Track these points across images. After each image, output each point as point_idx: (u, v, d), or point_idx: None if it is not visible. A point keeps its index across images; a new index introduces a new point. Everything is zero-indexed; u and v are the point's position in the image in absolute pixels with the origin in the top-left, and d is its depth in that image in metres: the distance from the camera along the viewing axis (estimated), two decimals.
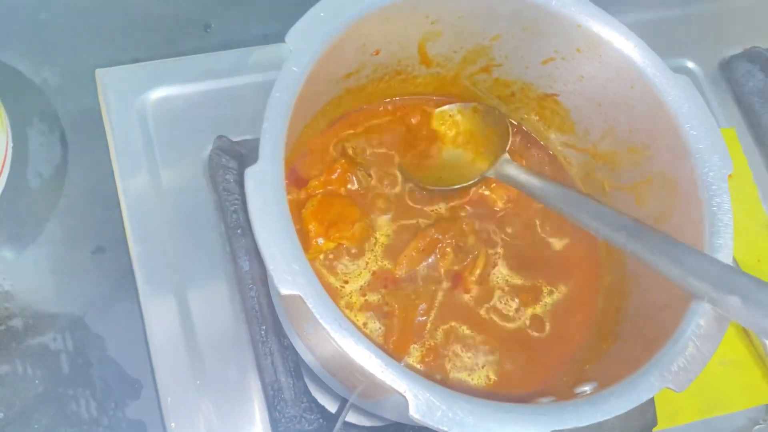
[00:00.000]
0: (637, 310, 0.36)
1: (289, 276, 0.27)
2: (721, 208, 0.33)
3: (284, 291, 0.27)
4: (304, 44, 0.32)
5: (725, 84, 0.59)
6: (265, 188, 0.28)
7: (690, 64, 0.58)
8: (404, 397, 0.26)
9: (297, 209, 0.39)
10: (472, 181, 0.41)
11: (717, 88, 0.58)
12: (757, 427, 0.48)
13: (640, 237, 0.31)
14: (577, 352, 0.39)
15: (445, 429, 0.26)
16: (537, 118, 0.43)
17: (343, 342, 0.27)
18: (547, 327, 0.39)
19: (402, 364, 0.27)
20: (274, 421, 0.41)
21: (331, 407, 0.42)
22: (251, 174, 0.28)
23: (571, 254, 0.41)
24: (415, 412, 0.26)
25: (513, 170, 0.39)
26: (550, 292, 0.40)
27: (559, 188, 0.36)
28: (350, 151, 0.40)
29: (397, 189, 0.41)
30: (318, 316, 0.27)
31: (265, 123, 0.29)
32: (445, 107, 0.43)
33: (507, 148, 0.40)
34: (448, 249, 0.39)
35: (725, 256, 0.32)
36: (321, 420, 0.41)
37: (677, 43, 0.58)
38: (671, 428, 0.47)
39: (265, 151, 0.29)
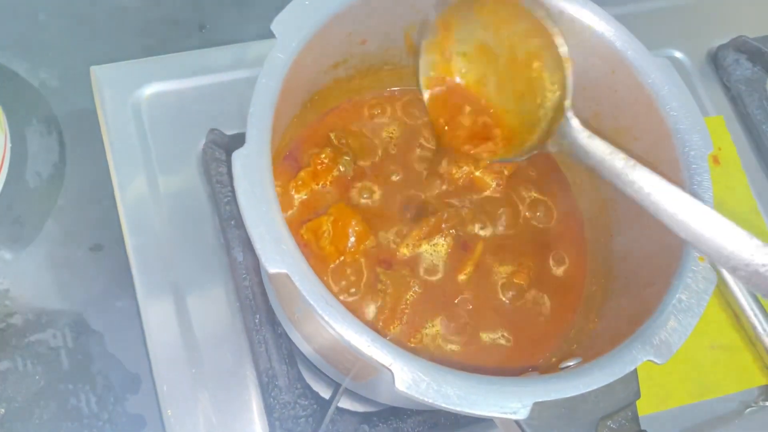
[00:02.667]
0: (623, 290, 0.37)
1: (277, 255, 0.28)
2: (702, 186, 0.33)
3: (272, 270, 0.27)
4: (290, 32, 0.32)
5: (713, 73, 0.59)
6: (252, 171, 0.29)
7: (678, 55, 0.59)
8: (390, 370, 0.27)
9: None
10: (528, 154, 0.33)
11: (705, 77, 0.59)
12: (749, 409, 0.49)
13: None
14: (565, 333, 0.39)
15: (430, 401, 0.27)
16: None
17: (330, 318, 0.27)
18: (536, 309, 0.40)
19: (388, 339, 0.28)
20: (269, 408, 0.41)
21: (325, 393, 0.43)
22: (238, 156, 0.29)
23: (559, 237, 0.42)
24: (401, 385, 0.27)
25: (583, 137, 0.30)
26: (539, 275, 0.41)
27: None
28: (334, 140, 0.40)
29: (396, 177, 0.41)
30: (305, 294, 0.27)
31: (252, 108, 0.30)
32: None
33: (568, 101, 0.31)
34: (449, 237, 0.40)
35: None
36: (315, 406, 0.42)
37: (665, 34, 0.59)
38: (663, 411, 0.47)
39: (251, 135, 0.30)
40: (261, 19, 0.54)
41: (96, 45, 0.52)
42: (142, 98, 0.49)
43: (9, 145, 0.47)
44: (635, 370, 0.30)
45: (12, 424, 0.41)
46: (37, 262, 0.45)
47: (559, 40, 0.31)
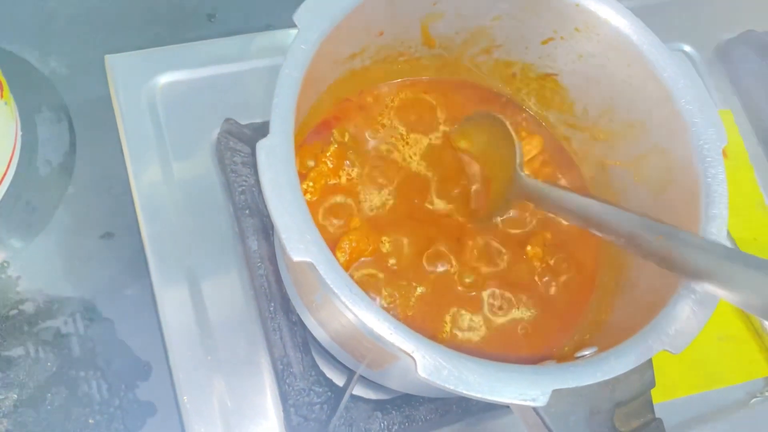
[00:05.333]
0: (636, 281, 0.37)
1: (301, 244, 0.28)
2: (716, 179, 0.34)
3: (296, 258, 0.28)
4: (312, 23, 0.33)
5: (721, 67, 0.60)
6: (276, 160, 0.29)
7: (687, 48, 0.59)
8: (412, 357, 0.28)
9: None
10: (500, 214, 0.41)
11: (713, 71, 0.59)
12: (755, 399, 0.49)
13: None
14: (578, 324, 0.40)
15: (451, 387, 0.27)
16: (537, 98, 0.44)
17: (354, 307, 0.28)
18: (549, 302, 0.41)
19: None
20: (283, 394, 0.42)
21: (339, 381, 0.43)
22: (263, 147, 0.29)
23: (571, 229, 0.42)
24: (423, 371, 0.27)
25: (533, 185, 0.37)
26: (553, 269, 0.41)
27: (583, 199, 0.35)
28: (337, 136, 0.41)
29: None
30: (329, 282, 0.28)
31: (275, 98, 0.30)
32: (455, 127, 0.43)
33: (518, 162, 0.38)
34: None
35: (719, 226, 0.33)
36: (329, 393, 0.42)
37: (674, 28, 0.59)
38: (670, 401, 0.48)
39: (275, 126, 0.30)
40: (269, 9, 0.55)
41: (105, 33, 0.52)
42: (156, 87, 0.49)
43: (20, 133, 0.47)
44: (650, 359, 0.30)
45: (24, 410, 0.42)
46: (47, 249, 0.46)
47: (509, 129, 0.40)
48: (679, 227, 0.31)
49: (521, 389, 0.28)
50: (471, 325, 0.39)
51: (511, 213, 0.42)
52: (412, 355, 0.28)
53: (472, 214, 0.41)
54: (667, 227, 0.31)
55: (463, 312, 0.39)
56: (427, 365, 0.28)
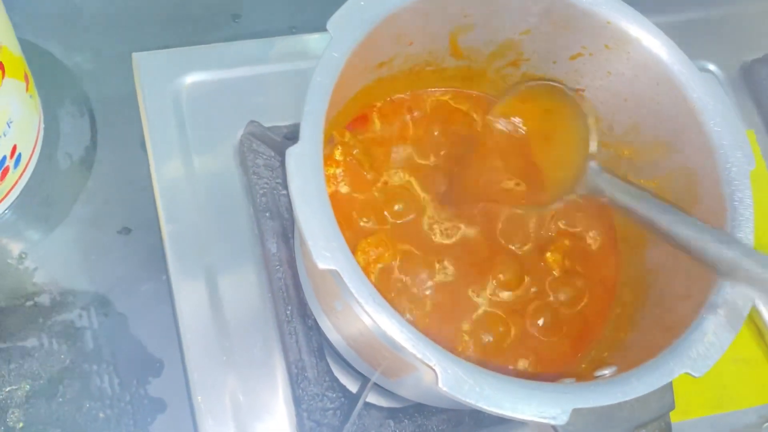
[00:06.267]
0: (657, 301, 0.37)
1: (327, 252, 0.28)
2: (743, 203, 0.34)
3: (322, 266, 0.28)
4: (345, 31, 0.33)
5: (745, 88, 0.59)
6: (305, 168, 0.29)
7: (711, 67, 0.59)
8: (434, 370, 0.28)
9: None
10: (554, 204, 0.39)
11: (737, 91, 0.59)
12: (767, 424, 0.49)
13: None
14: (596, 341, 0.40)
15: (472, 402, 0.27)
16: None
17: (377, 316, 0.28)
18: (568, 318, 0.40)
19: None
20: (297, 399, 0.42)
21: (353, 387, 0.43)
22: (292, 154, 0.29)
23: (593, 248, 0.42)
24: (444, 385, 0.27)
25: (607, 184, 0.35)
26: (572, 285, 0.41)
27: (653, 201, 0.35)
28: (346, 139, 0.41)
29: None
30: (354, 291, 0.28)
31: (307, 106, 0.30)
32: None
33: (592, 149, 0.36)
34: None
35: (747, 249, 0.33)
36: (342, 399, 0.42)
37: (699, 46, 0.59)
38: (683, 421, 0.48)
39: (305, 133, 0.30)
40: (294, 11, 0.55)
41: (129, 30, 0.52)
42: (182, 87, 0.49)
43: (42, 126, 0.48)
44: (671, 381, 0.30)
45: (36, 401, 0.42)
46: (65, 242, 0.46)
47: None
48: None
49: (542, 407, 0.28)
50: (487, 335, 0.39)
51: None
52: (434, 368, 0.28)
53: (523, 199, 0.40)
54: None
55: (479, 321, 0.39)
56: (449, 379, 0.28)
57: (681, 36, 0.55)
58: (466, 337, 0.39)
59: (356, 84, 0.39)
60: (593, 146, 0.37)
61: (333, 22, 0.33)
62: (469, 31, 0.40)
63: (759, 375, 0.50)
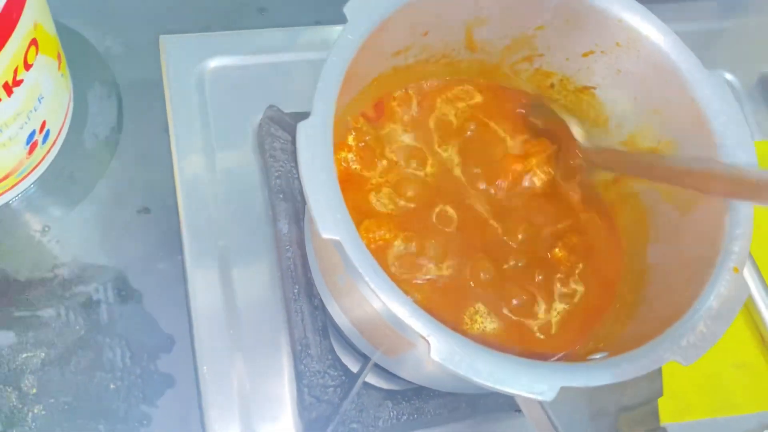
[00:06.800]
0: (655, 296, 0.38)
1: (331, 223, 0.29)
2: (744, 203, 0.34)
3: (325, 235, 0.29)
4: (361, 16, 0.34)
5: (763, 98, 0.60)
6: (315, 142, 0.31)
7: (729, 77, 0.60)
8: (427, 341, 0.29)
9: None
10: None
11: (754, 101, 0.59)
12: (767, 430, 0.49)
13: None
14: (594, 332, 0.40)
15: (462, 372, 0.28)
16: (573, 110, 0.45)
17: (376, 287, 0.29)
18: (566, 314, 0.41)
19: None
20: (299, 374, 0.43)
21: (354, 367, 0.44)
22: (303, 127, 0.31)
23: (594, 244, 0.43)
24: (436, 355, 0.28)
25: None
26: (573, 281, 0.42)
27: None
28: (359, 125, 0.42)
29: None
30: (354, 261, 0.29)
31: (320, 82, 0.32)
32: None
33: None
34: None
35: (743, 245, 0.33)
36: (343, 377, 0.43)
37: (717, 55, 0.60)
38: (680, 423, 0.48)
39: (318, 109, 0.31)
40: (319, 5, 0.57)
41: (160, 17, 0.54)
42: (206, 70, 0.51)
43: (72, 105, 0.50)
44: (660, 368, 0.31)
45: (50, 369, 0.44)
46: (86, 219, 0.48)
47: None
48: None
49: (530, 382, 0.29)
50: (487, 320, 0.39)
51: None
52: (428, 338, 0.29)
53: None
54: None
55: (481, 307, 0.40)
56: (441, 349, 0.29)
57: (700, 45, 0.56)
58: (467, 320, 0.39)
59: (372, 71, 0.40)
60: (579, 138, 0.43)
61: (350, 7, 0.34)
62: (484, 25, 0.41)
63: (760, 381, 0.50)
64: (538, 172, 0.43)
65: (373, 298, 0.29)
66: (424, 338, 0.29)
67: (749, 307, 0.51)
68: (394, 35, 0.38)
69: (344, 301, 0.39)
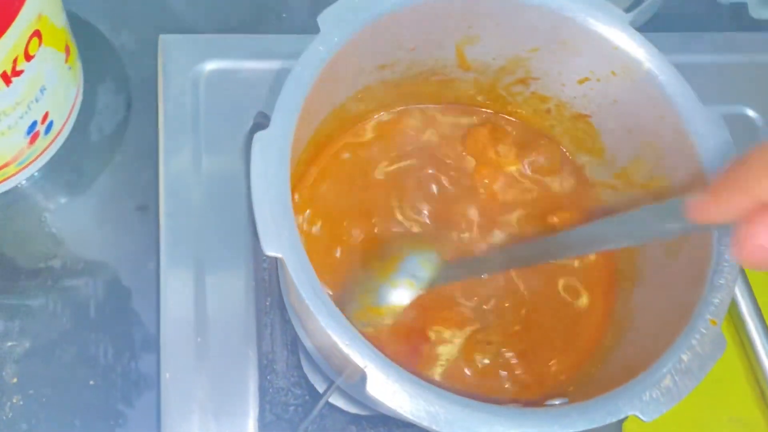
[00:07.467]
0: (632, 340, 0.36)
1: (275, 239, 0.28)
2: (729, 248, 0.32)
3: (268, 251, 0.28)
4: (335, 27, 0.33)
5: None
6: (270, 153, 0.30)
7: (750, 113, 0.56)
8: (364, 371, 0.27)
9: None
10: None
11: None
12: None
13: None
14: (567, 377, 0.38)
15: (397, 409, 0.27)
16: (569, 138, 0.43)
17: (315, 309, 0.28)
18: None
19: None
20: (262, 390, 0.42)
21: (320, 387, 0.43)
22: (259, 138, 0.30)
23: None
24: (371, 388, 0.27)
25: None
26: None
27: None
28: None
29: None
30: (295, 280, 0.28)
31: (282, 93, 0.31)
32: None
33: None
34: None
35: (723, 296, 0.31)
36: (307, 396, 0.42)
37: (738, 90, 0.57)
38: None
39: (276, 119, 0.30)
40: None
41: (176, 15, 0.54)
42: (202, 72, 0.50)
43: (81, 98, 0.50)
44: (619, 421, 0.29)
45: (33, 359, 0.43)
46: (85, 212, 0.47)
47: None
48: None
49: (468, 426, 0.27)
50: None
51: None
52: (365, 369, 0.27)
53: None
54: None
55: (445, 339, 0.38)
56: (378, 382, 0.27)
57: (721, 79, 0.53)
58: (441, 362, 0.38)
59: (356, 82, 0.39)
60: None
61: (324, 17, 0.33)
62: (475, 43, 0.39)
63: None
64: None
65: (314, 320, 0.28)
66: (361, 369, 0.27)
67: (752, 362, 0.48)
68: (376, 48, 0.37)
69: (304, 323, 0.38)
